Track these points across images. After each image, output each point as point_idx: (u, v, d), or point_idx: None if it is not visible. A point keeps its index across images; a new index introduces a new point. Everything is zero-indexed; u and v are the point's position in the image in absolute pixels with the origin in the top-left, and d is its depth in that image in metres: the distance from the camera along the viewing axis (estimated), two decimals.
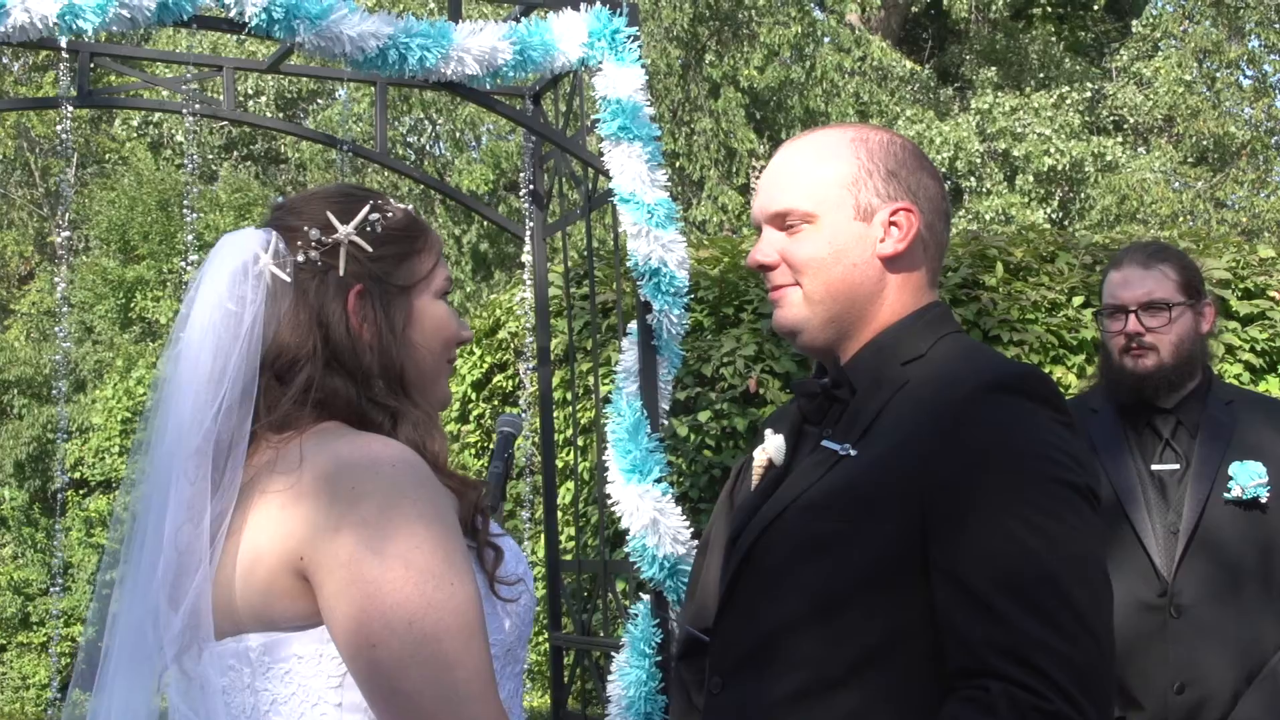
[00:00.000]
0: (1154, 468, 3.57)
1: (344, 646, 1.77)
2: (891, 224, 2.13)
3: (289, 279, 1.96)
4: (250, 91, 18.68)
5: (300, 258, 1.98)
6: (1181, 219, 18.76)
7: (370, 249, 2.00)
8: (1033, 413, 1.93)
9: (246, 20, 4.79)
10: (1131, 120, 21.34)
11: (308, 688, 1.82)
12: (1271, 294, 7.50)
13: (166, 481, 1.90)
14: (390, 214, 2.05)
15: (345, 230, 2.00)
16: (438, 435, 1.99)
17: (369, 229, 2.01)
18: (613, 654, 5.14)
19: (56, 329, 7.23)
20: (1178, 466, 3.55)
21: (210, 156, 20.20)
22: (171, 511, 1.87)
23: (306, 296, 1.96)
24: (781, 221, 2.17)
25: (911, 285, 2.15)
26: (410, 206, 2.11)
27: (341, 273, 1.98)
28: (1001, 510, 1.85)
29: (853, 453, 2.01)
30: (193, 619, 1.85)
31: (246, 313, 1.92)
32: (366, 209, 2.02)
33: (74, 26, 4.67)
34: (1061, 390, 6.57)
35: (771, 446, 2.21)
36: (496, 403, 9.12)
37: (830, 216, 2.13)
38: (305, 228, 1.99)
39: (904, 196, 2.14)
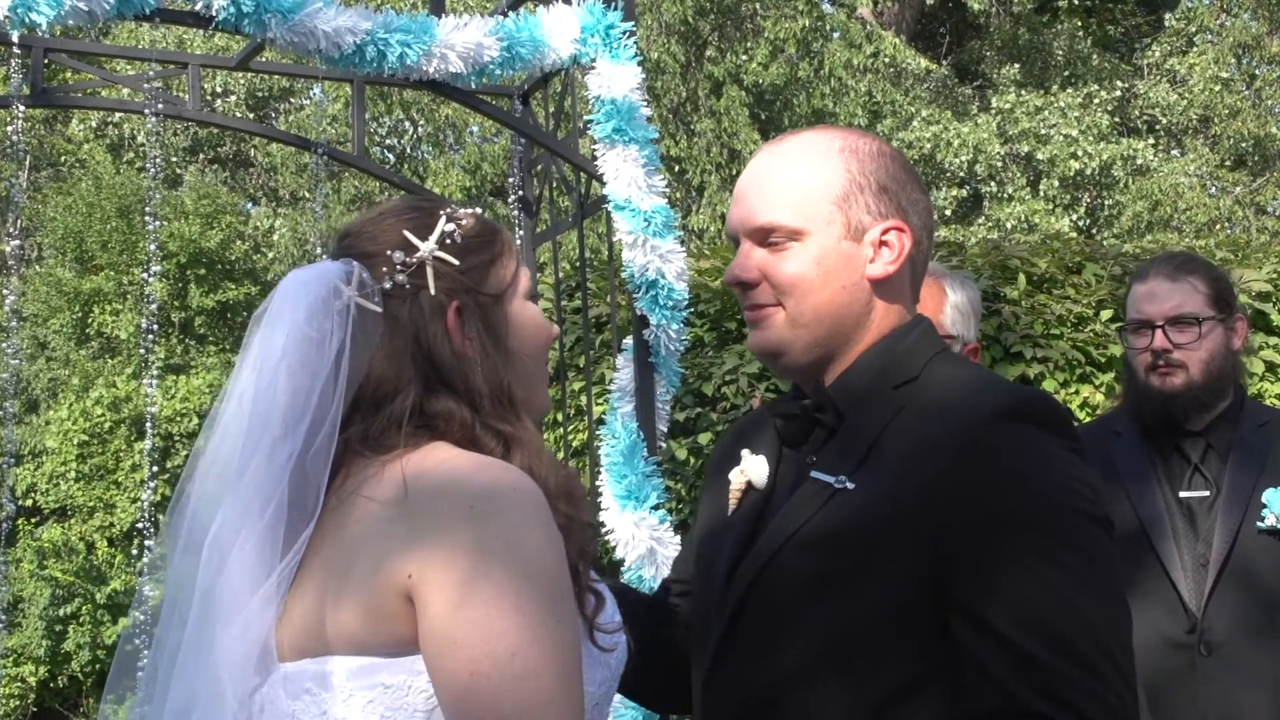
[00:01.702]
0: (1182, 495, 3.55)
1: (440, 671, 1.78)
2: (883, 243, 2.13)
3: (379, 308, 1.99)
4: (218, 90, 18.71)
5: (387, 284, 2.00)
6: (1218, 226, 18.80)
7: (456, 261, 2.03)
8: (1045, 442, 1.94)
9: (214, 14, 4.82)
10: (1164, 121, 21.40)
11: None
12: None
13: (230, 535, 1.91)
14: (464, 221, 2.08)
15: (428, 246, 2.02)
16: (548, 460, 2.01)
17: (449, 241, 2.04)
18: None
19: (5, 345, 7.22)
20: (1207, 493, 3.53)
21: (174, 160, 20.22)
22: (237, 561, 1.89)
23: (399, 323, 1.98)
24: (764, 237, 2.15)
25: (899, 303, 2.16)
26: (478, 209, 2.13)
27: (433, 291, 2.00)
28: (1022, 547, 1.87)
29: (850, 485, 2.00)
30: (263, 656, 1.88)
31: (329, 349, 1.94)
32: (443, 220, 2.05)
33: (27, 20, 4.69)
34: (1088, 411, 6.53)
35: (751, 469, 2.21)
36: None
37: (819, 235, 2.11)
38: (386, 251, 2.01)
39: (895, 214, 2.14)
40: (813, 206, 2.12)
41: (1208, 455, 3.58)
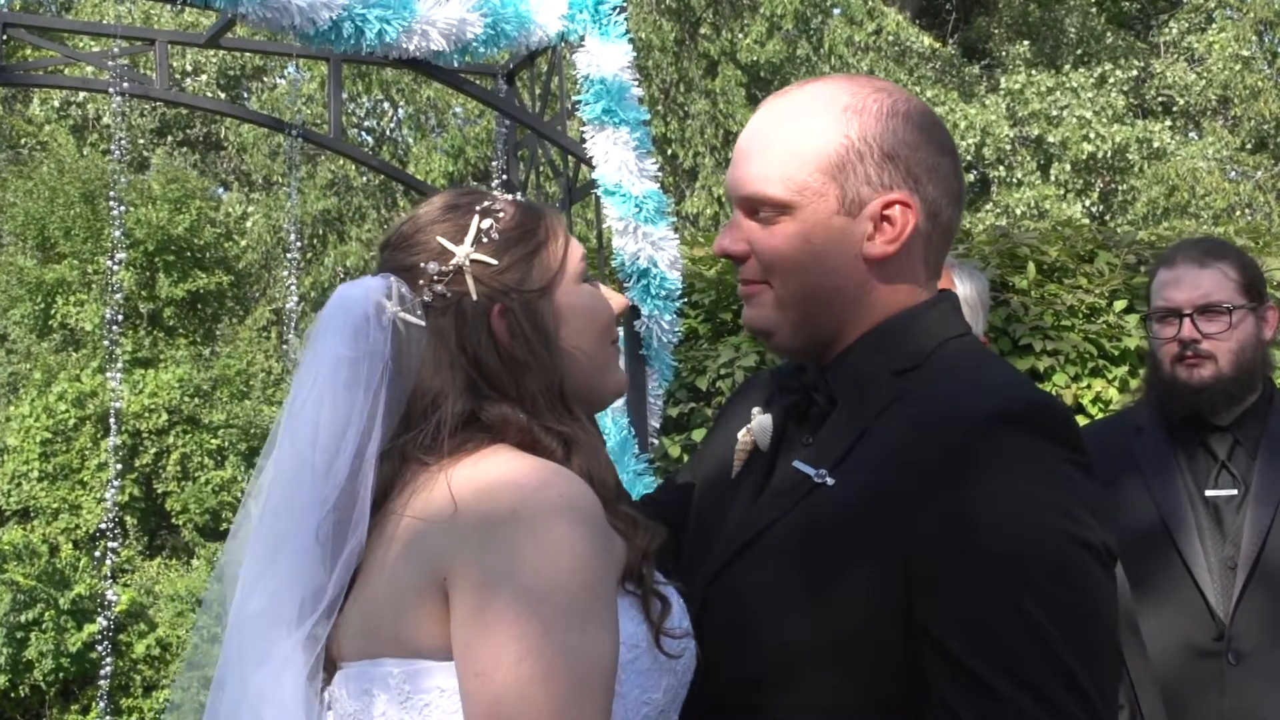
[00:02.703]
0: (1208, 493, 3.51)
1: (457, 673, 1.82)
2: (884, 218, 2.00)
3: (422, 322, 2.02)
4: (187, 69, 18.68)
5: (426, 296, 2.03)
6: (1238, 213, 18.84)
7: (495, 261, 2.04)
8: (1042, 453, 1.85)
9: None
10: (1182, 102, 21.43)
11: None
12: None
13: (285, 556, 1.97)
14: (501, 212, 2.08)
15: (463, 251, 2.03)
16: (606, 462, 2.03)
17: (485, 239, 2.05)
18: None
19: None
20: (1235, 492, 3.49)
21: (141, 142, 20.19)
22: (289, 581, 1.96)
23: (443, 334, 2.01)
24: (753, 208, 2.05)
25: (906, 282, 2.04)
26: (519, 195, 2.12)
27: (475, 297, 2.02)
28: (1000, 574, 1.79)
29: (829, 480, 1.93)
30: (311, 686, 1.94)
31: (371, 368, 1.98)
32: (476, 219, 2.06)
33: None
34: (1101, 407, 6.54)
35: (759, 428, 2.16)
36: None
37: (809, 208, 2.00)
38: (421, 263, 2.04)
39: (901, 184, 2.00)
40: (803, 176, 2.00)
41: (1235, 451, 3.54)
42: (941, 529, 1.81)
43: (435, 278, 2.03)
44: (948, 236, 2.08)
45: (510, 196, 2.13)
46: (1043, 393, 1.98)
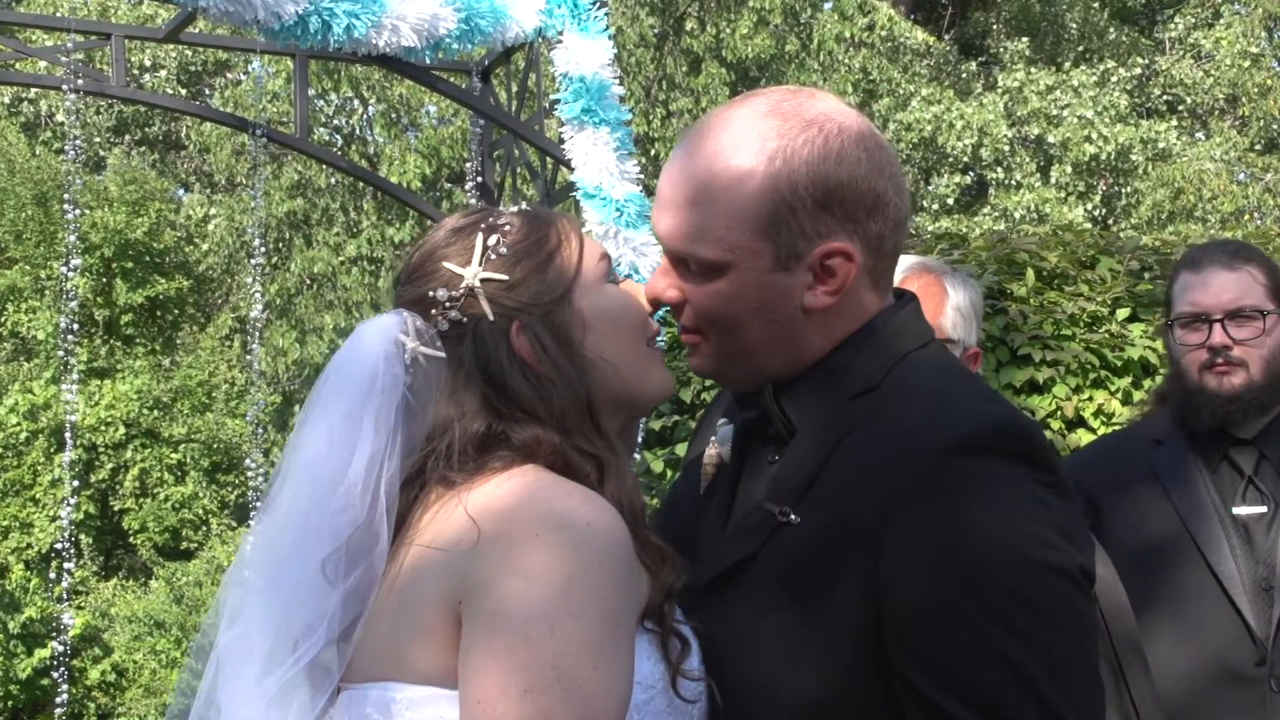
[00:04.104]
0: (1236, 510, 3.46)
1: (460, 696, 1.83)
2: (823, 268, 1.95)
3: (441, 354, 2.03)
4: (146, 64, 18.67)
5: (442, 325, 2.04)
6: (1246, 217, 18.90)
7: (506, 277, 2.04)
8: (1010, 478, 1.83)
9: None
10: (1188, 101, 21.52)
11: None
12: None
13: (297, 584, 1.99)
14: (507, 226, 2.09)
15: (471, 272, 2.05)
16: (634, 484, 2.03)
17: (494, 256, 2.06)
18: None
19: None
20: (1264, 509, 3.45)
21: (97, 141, 20.16)
22: (298, 610, 1.97)
23: (463, 361, 2.03)
24: (684, 261, 2.00)
25: (855, 313, 2.00)
26: (522, 205, 2.14)
27: (491, 317, 2.03)
28: (973, 610, 1.79)
29: (794, 518, 1.92)
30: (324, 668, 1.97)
31: (388, 402, 2.01)
32: (481, 238, 2.07)
33: None
34: (1103, 420, 6.54)
35: (722, 440, 2.16)
36: None
37: (743, 266, 1.95)
38: (431, 292, 2.05)
39: (839, 230, 1.95)
40: (734, 237, 1.94)
41: (1262, 466, 3.49)
42: (906, 566, 1.81)
43: (447, 304, 2.04)
44: (896, 253, 2.05)
45: (516, 208, 2.14)
46: (1007, 411, 1.96)
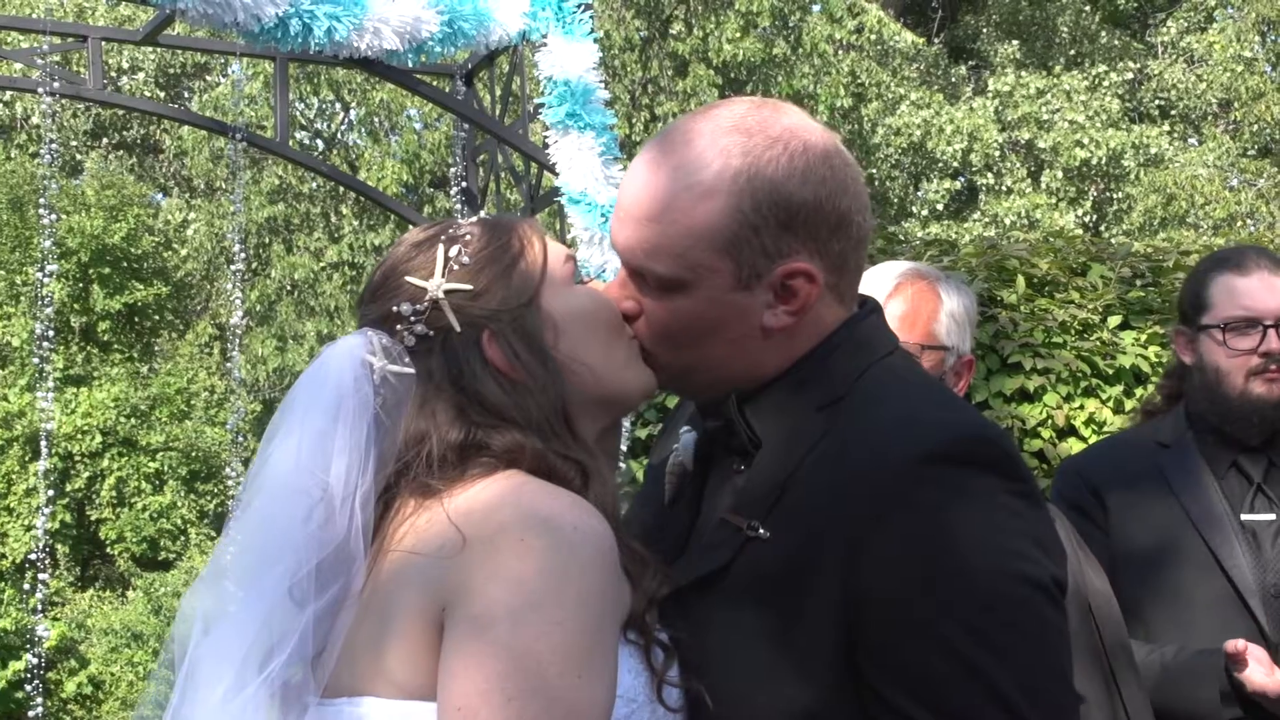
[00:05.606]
0: (1244, 517, 3.46)
1: (439, 703, 1.82)
2: (784, 288, 1.95)
3: (411, 370, 2.03)
4: (123, 67, 18.64)
5: (409, 340, 2.04)
6: (1239, 223, 18.94)
7: (470, 286, 2.04)
8: (980, 488, 1.84)
9: None
10: (1180, 105, 21.58)
11: None
12: None
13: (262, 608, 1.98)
14: (467, 235, 2.08)
15: (435, 284, 2.04)
16: (614, 490, 2.03)
17: (456, 266, 2.06)
18: None
19: None
20: (1273, 517, 3.45)
21: (74, 144, 20.13)
22: (264, 633, 1.96)
23: (433, 375, 2.03)
24: (641, 275, 2.01)
25: (818, 328, 2.00)
26: (482, 214, 2.14)
27: (458, 328, 2.03)
28: (943, 622, 1.79)
29: (763, 533, 1.91)
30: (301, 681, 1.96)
31: (359, 423, 2.00)
32: (442, 249, 2.07)
33: None
34: (1095, 428, 6.55)
35: (684, 448, 2.16)
36: None
37: (702, 284, 1.95)
38: (394, 307, 2.05)
39: (801, 250, 1.95)
40: (694, 255, 1.94)
41: (1271, 474, 3.48)
42: (878, 579, 1.81)
43: (412, 319, 2.03)
44: (860, 269, 2.05)
45: (476, 217, 2.14)
46: (975, 420, 1.97)
